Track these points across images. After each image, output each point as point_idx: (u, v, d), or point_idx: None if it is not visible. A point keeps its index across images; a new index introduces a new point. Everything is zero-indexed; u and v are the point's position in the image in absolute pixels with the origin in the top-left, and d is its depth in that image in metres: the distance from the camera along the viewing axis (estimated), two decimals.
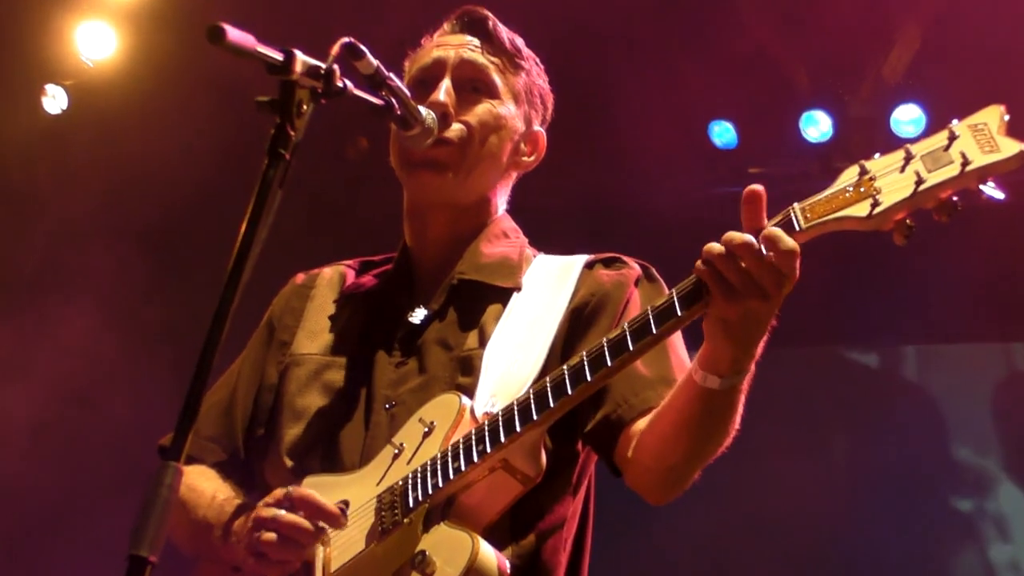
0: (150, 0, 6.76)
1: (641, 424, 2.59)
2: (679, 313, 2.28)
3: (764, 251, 2.17)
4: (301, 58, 2.24)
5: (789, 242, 2.17)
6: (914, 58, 6.59)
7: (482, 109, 2.89)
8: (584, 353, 2.41)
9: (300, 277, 3.14)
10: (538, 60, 3.05)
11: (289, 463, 2.76)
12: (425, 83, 2.91)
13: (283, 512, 2.50)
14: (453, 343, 2.78)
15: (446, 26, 3.01)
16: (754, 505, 7.12)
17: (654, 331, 2.32)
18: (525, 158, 3.03)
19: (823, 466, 7.37)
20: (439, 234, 2.94)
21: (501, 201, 3.03)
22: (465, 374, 2.71)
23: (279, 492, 2.56)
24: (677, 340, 2.71)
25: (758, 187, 2.25)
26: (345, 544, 2.56)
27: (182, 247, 7.30)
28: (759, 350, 2.33)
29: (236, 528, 2.62)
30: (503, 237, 2.98)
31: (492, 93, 2.92)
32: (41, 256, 7.16)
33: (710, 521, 6.87)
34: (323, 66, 2.28)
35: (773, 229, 2.19)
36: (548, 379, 2.44)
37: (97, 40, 6.88)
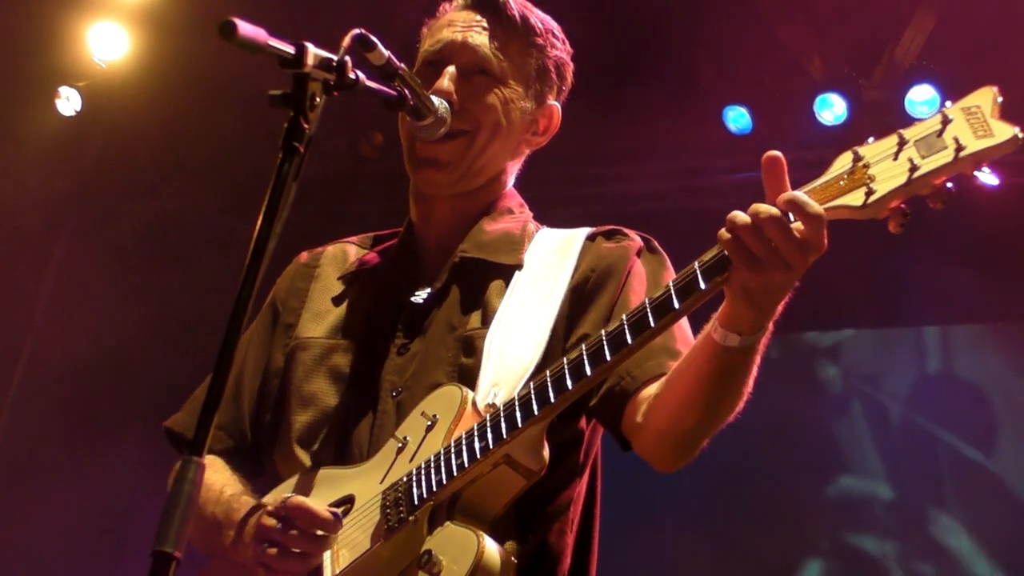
0: (161, 0, 6.79)
1: (649, 391, 2.57)
2: (702, 286, 2.22)
3: (791, 218, 2.13)
4: (313, 51, 2.22)
5: (815, 207, 2.12)
6: (927, 39, 6.56)
7: (488, 96, 2.85)
8: (595, 338, 2.36)
9: (304, 256, 3.10)
10: (556, 30, 2.99)
11: (301, 453, 2.74)
12: (433, 66, 2.88)
13: (281, 525, 2.49)
14: (456, 323, 2.75)
15: (459, 1, 2.97)
16: None
17: (676, 306, 2.26)
18: (537, 135, 2.98)
19: None
20: (445, 215, 2.92)
21: (510, 178, 3.01)
22: (467, 355, 2.67)
23: (277, 501, 2.54)
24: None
25: (776, 152, 2.20)
26: (352, 542, 2.54)
27: (195, 243, 7.33)
28: (779, 309, 2.29)
29: (244, 533, 2.60)
30: (507, 213, 2.95)
31: (499, 77, 2.87)
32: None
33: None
34: (335, 58, 2.27)
35: (798, 194, 2.14)
36: (548, 373, 2.41)
37: (109, 41, 6.91)
